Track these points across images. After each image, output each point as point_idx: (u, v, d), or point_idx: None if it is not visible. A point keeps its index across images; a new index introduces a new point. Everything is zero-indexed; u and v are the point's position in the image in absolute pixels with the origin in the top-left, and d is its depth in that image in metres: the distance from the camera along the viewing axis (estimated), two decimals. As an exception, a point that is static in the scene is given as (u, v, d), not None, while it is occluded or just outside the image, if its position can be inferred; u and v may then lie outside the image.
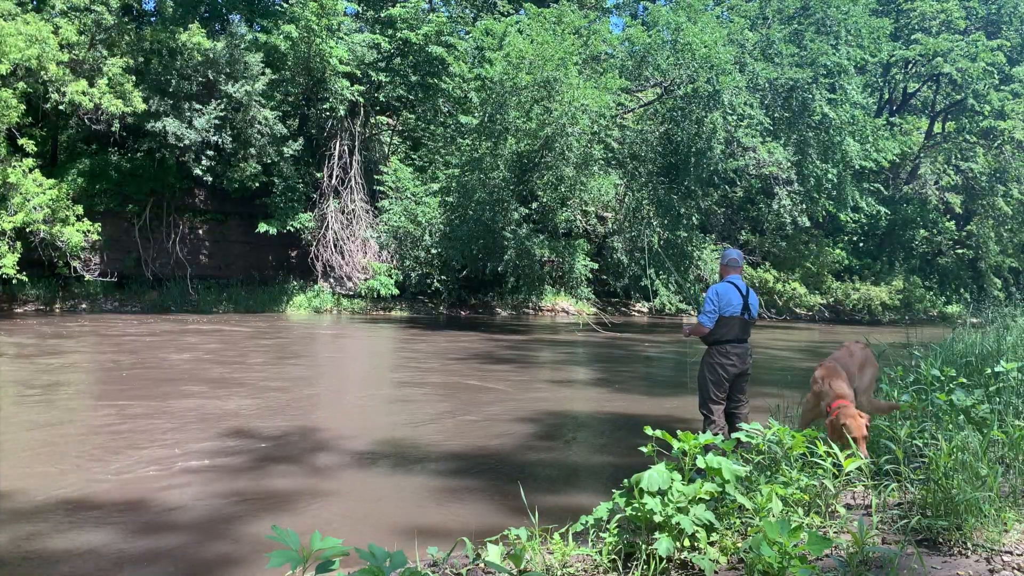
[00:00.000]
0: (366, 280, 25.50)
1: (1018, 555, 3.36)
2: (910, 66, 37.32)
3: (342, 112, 25.51)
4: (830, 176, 29.13)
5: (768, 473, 4.18)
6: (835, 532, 3.63)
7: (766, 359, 15.28)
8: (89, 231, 20.82)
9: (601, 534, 3.57)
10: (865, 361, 5.66)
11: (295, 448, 6.88)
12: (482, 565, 3.38)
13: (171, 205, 24.94)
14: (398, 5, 26.30)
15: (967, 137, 37.50)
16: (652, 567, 3.16)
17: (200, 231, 25.92)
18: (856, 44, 30.09)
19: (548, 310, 28.11)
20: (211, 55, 22.44)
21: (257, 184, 24.24)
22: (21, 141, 19.80)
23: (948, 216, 39.72)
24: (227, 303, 24.33)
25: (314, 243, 25.74)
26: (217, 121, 22.51)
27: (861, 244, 38.83)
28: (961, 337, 9.09)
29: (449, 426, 7.96)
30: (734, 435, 4.44)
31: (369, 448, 7.02)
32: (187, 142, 22.15)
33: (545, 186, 21.57)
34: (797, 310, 33.27)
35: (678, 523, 3.21)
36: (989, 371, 6.29)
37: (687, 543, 3.26)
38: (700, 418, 6.26)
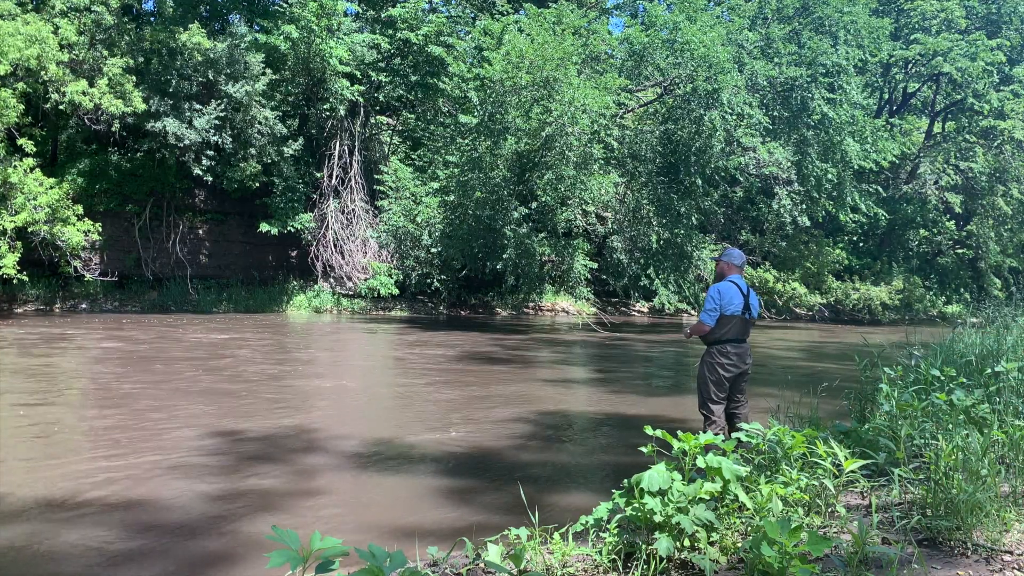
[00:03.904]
0: (366, 280, 25.50)
1: (1018, 555, 3.36)
2: (910, 66, 37.31)
3: (342, 112, 25.51)
4: (830, 176, 29.13)
5: (768, 473, 4.18)
6: (835, 532, 3.63)
7: (766, 359, 15.28)
8: (90, 231, 20.82)
9: (601, 534, 3.58)
10: None
11: (294, 448, 6.88)
12: (482, 565, 3.37)
13: (171, 205, 24.94)
14: (398, 5, 26.29)
15: (967, 137, 37.48)
16: (652, 567, 3.16)
17: (200, 231, 25.92)
18: (856, 44, 30.08)
19: (548, 310, 28.12)
20: (211, 55, 22.42)
21: (257, 184, 24.23)
22: (21, 141, 19.80)
23: (948, 216, 39.70)
24: (227, 303, 24.33)
25: (314, 243, 25.73)
26: (217, 121, 22.50)
27: (861, 244, 38.81)
28: (961, 337, 9.09)
29: (448, 426, 7.96)
30: (734, 435, 4.45)
31: (369, 448, 7.02)
32: (187, 142, 22.14)
33: (545, 186, 21.54)
34: (797, 310, 33.27)
35: (678, 523, 3.21)
36: (989, 371, 6.29)
37: (687, 543, 3.26)
38: (700, 418, 6.26)
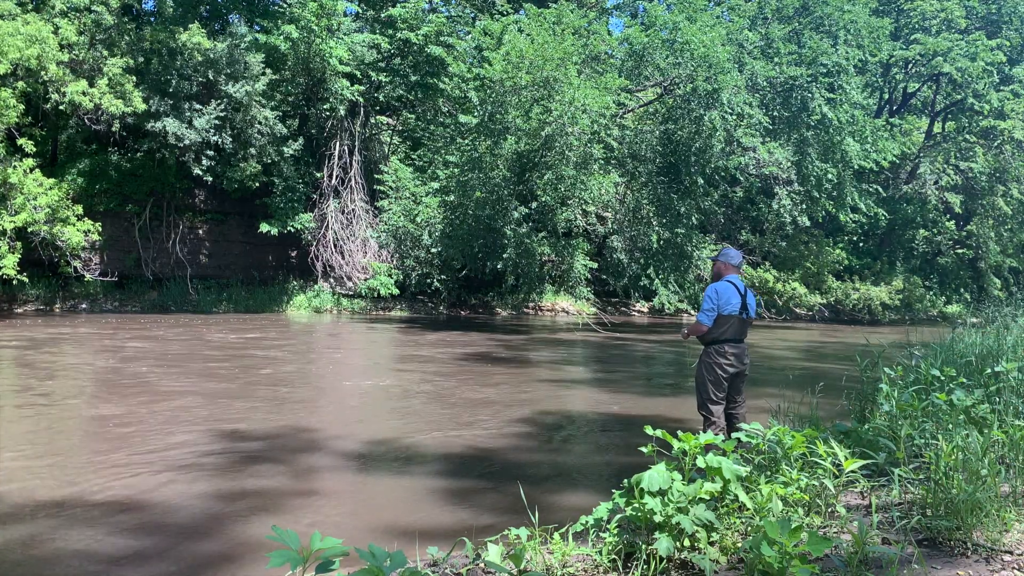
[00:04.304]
0: (366, 280, 25.49)
1: (1018, 555, 3.36)
2: (910, 66, 37.31)
3: (342, 112, 25.50)
4: (830, 176, 29.12)
5: (768, 473, 4.18)
6: (835, 532, 3.63)
7: (766, 359, 15.28)
8: (90, 231, 20.82)
9: (601, 534, 3.58)
10: None
11: (294, 448, 6.88)
12: (482, 565, 3.38)
13: (171, 205, 24.93)
14: (398, 5, 26.28)
15: (967, 137, 37.47)
16: (652, 567, 3.16)
17: (200, 231, 25.91)
18: (856, 44, 30.07)
19: (548, 310, 28.11)
20: (211, 55, 22.41)
21: (257, 184, 24.22)
22: (21, 141, 19.80)
23: (948, 216, 39.70)
24: (227, 303, 24.33)
25: (314, 243, 25.72)
26: (217, 121, 22.49)
27: (861, 244, 38.80)
28: (961, 337, 9.09)
29: (449, 426, 7.96)
30: (734, 435, 4.45)
31: (368, 448, 7.02)
32: (187, 142, 22.14)
33: (545, 186, 21.53)
34: (797, 310, 33.27)
35: (678, 523, 3.21)
36: (989, 371, 6.29)
37: (687, 543, 3.26)
38: (699, 419, 6.25)
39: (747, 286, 6.27)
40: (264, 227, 24.57)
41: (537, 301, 27.81)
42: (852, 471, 4.15)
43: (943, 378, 6.21)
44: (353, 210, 26.45)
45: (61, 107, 20.32)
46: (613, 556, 3.33)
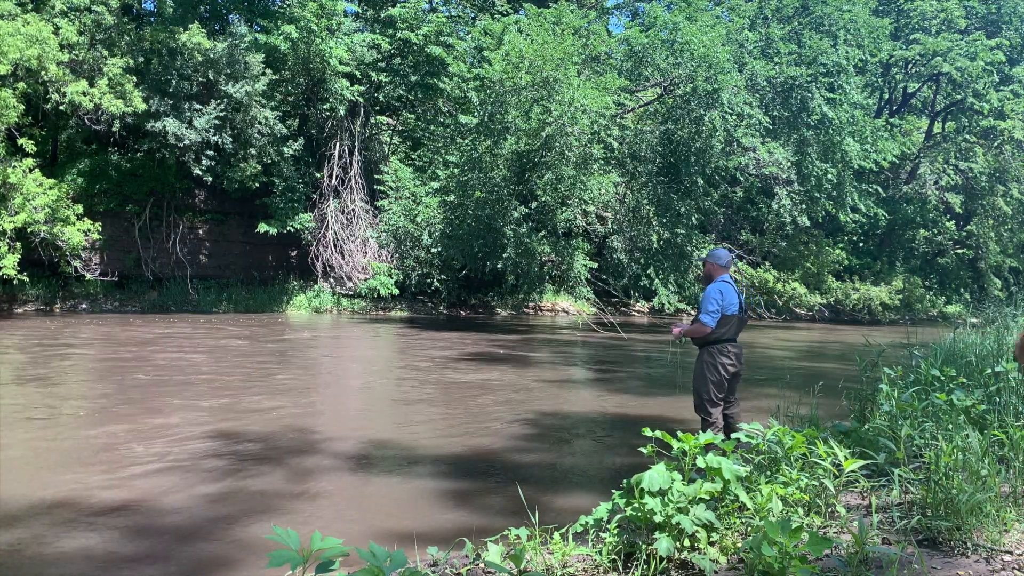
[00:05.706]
0: (366, 280, 25.49)
1: (1018, 555, 3.36)
2: (910, 66, 37.32)
3: (342, 112, 25.50)
4: (830, 176, 29.13)
5: (768, 473, 4.18)
6: (835, 532, 3.63)
7: (766, 359, 15.27)
8: (90, 230, 20.81)
9: (601, 534, 3.58)
10: None
11: (293, 449, 6.88)
12: (482, 565, 3.38)
13: (171, 205, 24.93)
14: (398, 5, 26.28)
15: (967, 137, 37.48)
16: (652, 567, 3.16)
17: (200, 231, 25.91)
18: (856, 44, 30.09)
19: (548, 310, 28.11)
20: (211, 55, 22.41)
21: (257, 184, 24.22)
22: (21, 141, 19.80)
23: (948, 216, 39.70)
24: (227, 303, 24.33)
25: (314, 243, 25.72)
26: (217, 121, 22.48)
27: (861, 244, 38.80)
28: (961, 337, 9.09)
29: (448, 426, 7.96)
30: (734, 435, 4.45)
31: (368, 449, 7.02)
32: (187, 142, 22.13)
33: (545, 186, 21.54)
34: (797, 310, 33.26)
35: (678, 523, 3.21)
36: (989, 371, 6.30)
37: (687, 543, 3.26)
38: (698, 419, 6.26)
39: (739, 286, 6.31)
40: (264, 227, 24.57)
41: (537, 301, 27.80)
42: (852, 471, 4.14)
43: (943, 378, 6.22)
44: (353, 210, 26.46)
45: (61, 107, 20.31)
46: (613, 556, 3.34)
